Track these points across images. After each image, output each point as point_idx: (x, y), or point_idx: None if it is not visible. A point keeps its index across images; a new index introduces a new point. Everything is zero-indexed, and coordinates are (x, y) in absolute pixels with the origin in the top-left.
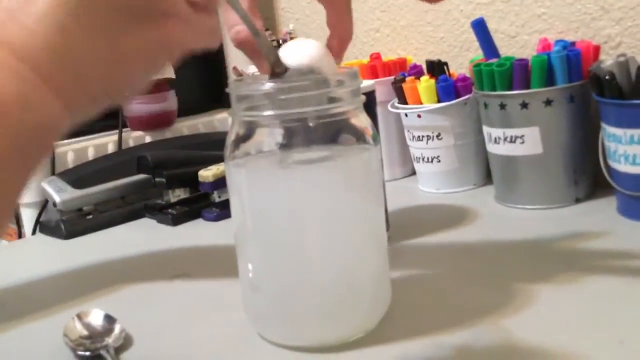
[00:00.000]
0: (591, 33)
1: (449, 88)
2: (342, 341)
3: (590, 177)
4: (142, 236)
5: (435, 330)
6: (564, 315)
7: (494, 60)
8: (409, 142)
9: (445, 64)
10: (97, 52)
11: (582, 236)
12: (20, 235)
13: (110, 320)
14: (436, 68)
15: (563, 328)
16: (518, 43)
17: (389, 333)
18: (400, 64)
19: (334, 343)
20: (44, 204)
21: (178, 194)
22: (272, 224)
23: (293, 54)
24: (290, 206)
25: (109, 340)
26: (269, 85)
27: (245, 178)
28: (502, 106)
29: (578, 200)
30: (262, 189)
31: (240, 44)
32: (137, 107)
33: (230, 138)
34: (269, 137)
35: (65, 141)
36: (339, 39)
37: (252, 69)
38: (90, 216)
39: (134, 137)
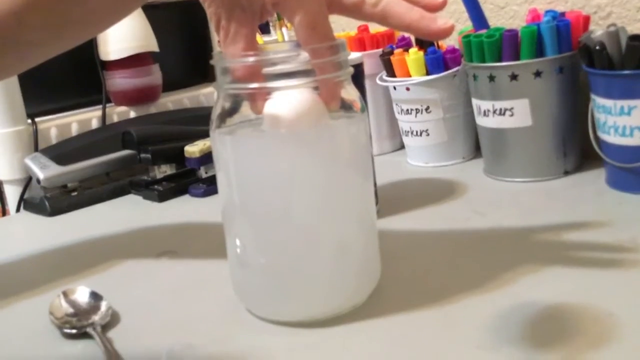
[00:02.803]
0: (581, 3)
1: (437, 60)
2: (331, 316)
3: (579, 149)
4: (127, 213)
5: (424, 305)
6: (553, 288)
7: (483, 32)
8: (397, 116)
9: None
10: None
11: (571, 208)
12: (4, 212)
13: (96, 297)
14: (425, 40)
15: (552, 301)
16: (507, 14)
17: (379, 307)
18: (389, 36)
19: (323, 318)
20: (28, 181)
21: (164, 170)
22: (259, 198)
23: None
24: (276, 176)
25: (96, 318)
26: (254, 58)
27: (230, 147)
28: (492, 78)
29: (567, 173)
30: (248, 157)
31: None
32: (120, 81)
33: (216, 112)
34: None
35: (48, 117)
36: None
37: None
38: (75, 193)
39: (118, 113)
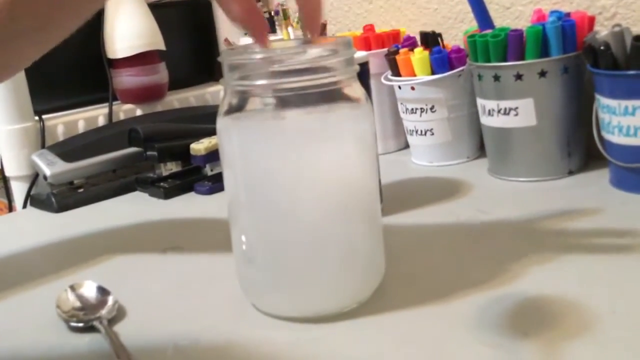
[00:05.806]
0: (586, 4)
1: (442, 60)
2: (335, 312)
3: (583, 149)
4: (133, 210)
5: (428, 302)
6: (556, 287)
7: (488, 32)
8: (402, 115)
9: (439, 35)
10: None
11: (574, 208)
12: (10, 209)
13: (103, 292)
14: (430, 40)
15: (555, 300)
16: (513, 14)
17: (383, 304)
18: (394, 35)
19: (328, 314)
20: (35, 178)
21: (170, 168)
22: (264, 192)
23: None
24: (282, 165)
25: (103, 312)
26: (261, 55)
27: (237, 135)
28: (496, 78)
29: (571, 172)
30: (254, 144)
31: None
32: (127, 79)
33: (223, 108)
34: (262, 106)
35: (55, 114)
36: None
37: (243, 40)
38: (81, 189)
39: (125, 110)
